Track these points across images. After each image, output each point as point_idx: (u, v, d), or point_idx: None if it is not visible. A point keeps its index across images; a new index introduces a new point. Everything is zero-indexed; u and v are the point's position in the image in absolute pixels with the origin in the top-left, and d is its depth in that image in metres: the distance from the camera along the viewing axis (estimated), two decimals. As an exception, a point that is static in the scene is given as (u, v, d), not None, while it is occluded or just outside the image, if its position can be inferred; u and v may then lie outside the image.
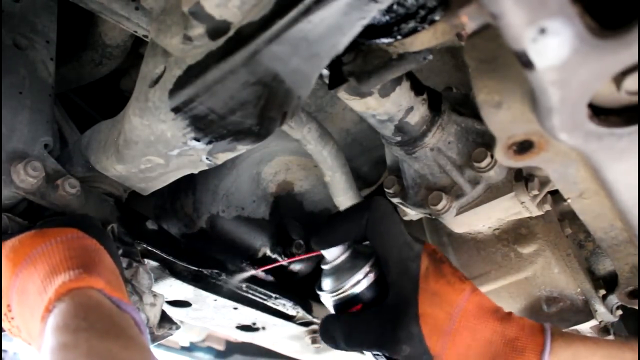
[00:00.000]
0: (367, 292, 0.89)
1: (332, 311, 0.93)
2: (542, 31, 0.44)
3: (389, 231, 0.89)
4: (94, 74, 1.17)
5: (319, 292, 0.94)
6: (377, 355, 0.90)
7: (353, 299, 0.89)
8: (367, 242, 0.91)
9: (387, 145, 1.03)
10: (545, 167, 0.70)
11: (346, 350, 0.91)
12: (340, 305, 0.91)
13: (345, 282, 0.89)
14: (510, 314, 0.86)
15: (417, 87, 0.94)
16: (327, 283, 0.92)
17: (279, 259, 1.30)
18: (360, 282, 0.89)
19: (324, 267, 0.93)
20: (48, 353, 0.62)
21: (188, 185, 1.26)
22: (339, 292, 0.90)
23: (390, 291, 0.87)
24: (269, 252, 1.30)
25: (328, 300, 0.92)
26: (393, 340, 0.84)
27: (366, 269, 0.89)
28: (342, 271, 0.91)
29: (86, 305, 0.68)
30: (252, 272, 1.22)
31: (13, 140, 0.89)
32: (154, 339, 0.99)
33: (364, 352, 0.91)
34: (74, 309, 0.66)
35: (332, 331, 0.90)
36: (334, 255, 0.92)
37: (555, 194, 1.08)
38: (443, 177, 1.02)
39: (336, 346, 0.90)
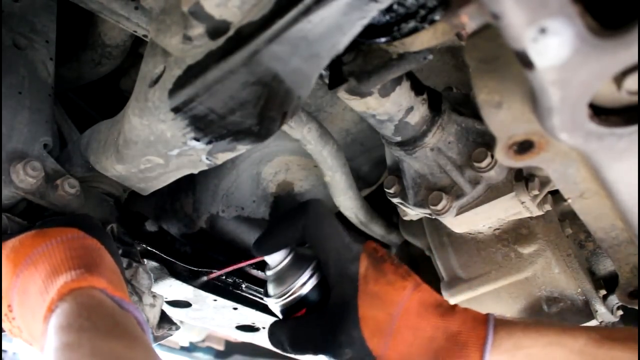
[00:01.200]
0: (311, 295, 0.90)
1: (280, 316, 0.93)
2: (543, 31, 0.44)
3: (326, 234, 0.89)
4: (93, 73, 1.17)
5: (264, 299, 0.95)
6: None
7: (297, 304, 0.90)
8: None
9: (387, 145, 1.03)
10: (546, 167, 0.70)
11: (294, 354, 0.91)
12: (286, 310, 0.91)
13: (287, 287, 0.90)
14: (453, 307, 0.86)
15: (417, 87, 0.93)
16: (271, 289, 0.93)
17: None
18: (302, 286, 0.89)
19: (267, 273, 0.94)
20: (51, 353, 0.62)
21: (188, 185, 1.26)
22: (283, 297, 0.91)
23: (332, 294, 0.87)
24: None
25: (273, 305, 0.93)
26: (335, 345, 0.84)
27: (308, 273, 0.90)
28: (284, 276, 0.91)
29: (89, 305, 0.68)
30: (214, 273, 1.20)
31: (12, 140, 0.89)
32: (154, 339, 0.99)
33: (312, 356, 0.91)
34: (76, 309, 0.67)
35: (278, 336, 0.90)
36: (276, 261, 0.92)
37: (555, 194, 1.08)
38: (443, 177, 1.02)
39: (284, 350, 0.91)
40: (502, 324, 0.82)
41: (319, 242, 0.88)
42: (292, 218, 0.91)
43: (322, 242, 0.88)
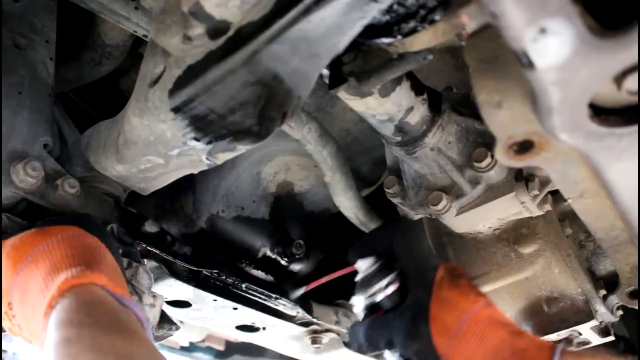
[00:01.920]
0: (389, 300, 1.00)
1: (360, 318, 1.04)
2: (543, 31, 0.44)
3: (411, 245, 1.01)
4: (93, 73, 1.17)
5: (351, 301, 1.06)
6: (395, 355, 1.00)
7: (376, 306, 1.01)
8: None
9: (387, 145, 1.03)
10: (546, 167, 0.70)
11: (369, 352, 1.01)
12: (366, 310, 1.03)
13: (370, 290, 1.02)
14: (522, 330, 0.90)
15: (417, 87, 0.93)
16: (357, 291, 1.04)
17: (280, 259, 1.30)
18: (383, 290, 1.01)
19: (357, 278, 1.06)
20: (52, 348, 0.62)
21: (188, 185, 1.26)
22: (365, 297, 1.02)
23: (408, 296, 0.97)
24: (268, 252, 1.30)
25: (356, 306, 1.05)
26: (404, 337, 0.93)
27: (389, 279, 1.01)
28: (370, 281, 1.03)
29: (89, 301, 0.68)
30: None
31: (12, 140, 0.89)
32: (154, 339, 0.99)
33: (384, 354, 1.00)
34: (77, 305, 0.67)
35: (356, 333, 1.01)
36: (365, 266, 1.05)
37: (555, 194, 1.08)
38: (443, 177, 1.02)
39: (359, 349, 1.01)
40: (569, 352, 0.85)
41: (404, 251, 1.00)
42: (385, 229, 1.07)
43: (406, 251, 1.00)
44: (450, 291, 0.93)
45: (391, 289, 1.00)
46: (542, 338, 0.93)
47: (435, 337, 0.90)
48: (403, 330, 0.93)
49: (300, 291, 1.28)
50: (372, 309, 1.02)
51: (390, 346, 0.96)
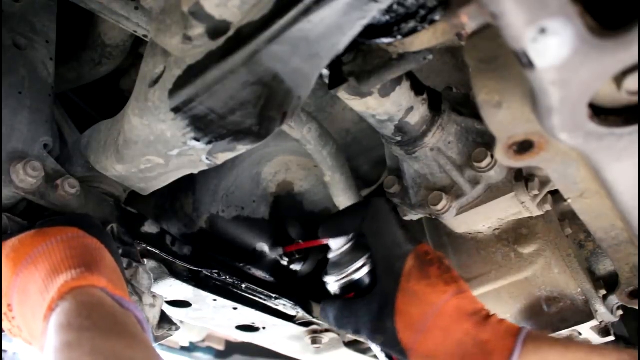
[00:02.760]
0: (361, 281, 1.01)
1: (334, 294, 1.05)
2: (543, 31, 0.44)
3: (381, 230, 0.99)
4: (93, 73, 1.17)
5: (323, 278, 1.07)
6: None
7: (348, 287, 1.02)
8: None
9: (387, 145, 1.03)
10: (546, 167, 0.70)
11: (338, 329, 1.06)
12: (339, 290, 1.03)
13: (342, 270, 1.02)
14: (489, 317, 0.90)
15: (417, 87, 0.94)
16: (329, 270, 1.05)
17: (280, 259, 1.30)
18: (355, 272, 1.01)
19: (329, 255, 1.06)
20: (52, 352, 0.62)
21: (188, 185, 1.26)
22: (338, 279, 1.03)
23: (376, 286, 0.97)
24: (268, 252, 1.30)
25: (330, 284, 1.05)
26: (370, 329, 0.94)
27: (362, 261, 1.01)
28: (342, 261, 1.03)
29: (89, 303, 0.68)
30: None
31: (13, 140, 0.89)
32: (154, 339, 0.99)
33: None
34: (76, 308, 0.66)
35: (327, 311, 1.02)
36: (337, 245, 1.04)
37: (555, 194, 1.08)
38: (443, 177, 1.02)
39: (329, 324, 1.04)
40: (532, 339, 0.85)
41: (373, 235, 0.99)
42: (356, 210, 1.05)
43: (376, 237, 0.99)
44: (419, 283, 0.93)
45: (363, 272, 1.01)
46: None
47: (401, 331, 0.91)
48: (369, 322, 0.95)
49: (279, 251, 1.28)
50: (344, 289, 1.03)
51: (357, 334, 0.98)
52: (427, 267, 0.95)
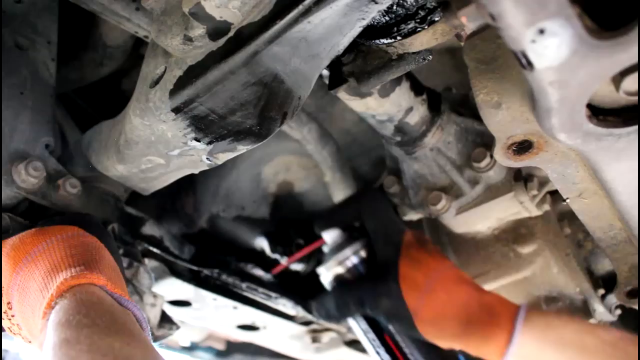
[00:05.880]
0: (358, 267, 1.03)
1: (329, 288, 1.06)
2: (541, 32, 0.44)
3: (378, 212, 1.03)
4: (95, 74, 1.17)
5: (318, 271, 1.08)
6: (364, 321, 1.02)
7: (344, 273, 1.03)
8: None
9: (387, 146, 1.03)
10: (544, 167, 0.70)
11: (338, 319, 1.03)
12: (334, 281, 1.04)
13: (338, 258, 1.04)
14: (489, 291, 0.94)
15: (417, 88, 0.94)
16: (325, 261, 1.06)
17: (280, 259, 1.31)
18: (350, 257, 1.03)
19: (325, 249, 1.08)
20: (50, 349, 0.62)
21: (188, 185, 1.26)
22: (333, 267, 1.04)
23: (377, 259, 0.99)
24: (269, 252, 1.31)
25: (325, 275, 1.06)
26: (374, 295, 0.95)
27: (357, 246, 1.03)
28: (337, 250, 1.05)
29: (88, 301, 0.68)
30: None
31: (14, 140, 0.89)
32: (154, 339, 0.99)
33: (354, 319, 1.02)
34: (75, 306, 0.67)
35: (325, 303, 1.02)
36: (332, 238, 1.07)
37: (554, 194, 1.08)
38: (442, 177, 1.02)
39: (329, 317, 1.03)
40: (535, 312, 0.88)
41: (371, 217, 1.02)
42: (352, 199, 1.09)
43: (374, 218, 1.02)
44: (419, 252, 0.96)
45: (358, 257, 1.03)
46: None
47: (406, 293, 0.92)
48: (372, 289, 0.95)
49: (269, 275, 1.28)
50: (340, 278, 1.04)
51: (360, 306, 0.98)
52: (425, 243, 0.99)
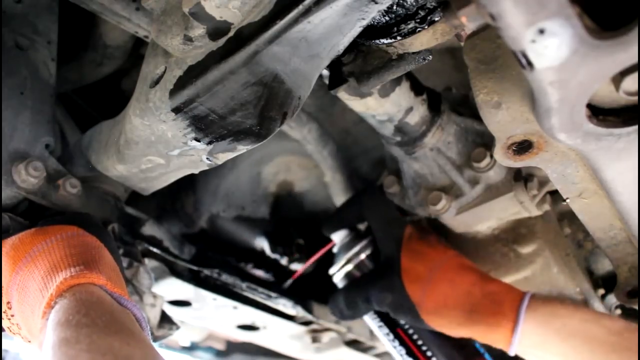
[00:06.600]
0: (365, 264, 1.06)
1: (340, 286, 1.09)
2: (541, 32, 0.44)
3: (379, 206, 1.05)
4: (95, 74, 1.17)
5: (330, 271, 1.10)
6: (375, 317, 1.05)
7: (352, 271, 1.06)
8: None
9: (386, 146, 1.03)
10: (544, 167, 0.70)
11: (352, 318, 1.04)
12: (345, 279, 1.07)
13: (348, 256, 1.06)
14: (493, 277, 0.95)
15: (417, 88, 0.94)
16: (336, 260, 1.09)
17: (280, 259, 1.31)
18: (357, 255, 1.06)
19: (334, 250, 1.11)
20: (50, 348, 0.62)
21: (188, 185, 1.26)
22: (341, 266, 1.07)
23: (380, 255, 1.01)
24: (268, 252, 1.31)
25: (335, 276, 1.09)
26: (378, 291, 0.97)
27: (362, 244, 1.06)
28: (347, 249, 1.08)
29: (87, 301, 0.68)
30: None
31: (14, 140, 0.89)
32: (154, 339, 0.99)
33: (368, 315, 1.05)
34: (75, 305, 0.67)
35: (337, 301, 1.04)
36: (340, 238, 1.09)
37: (554, 194, 1.08)
38: (442, 177, 1.02)
39: (343, 317, 1.05)
40: (538, 298, 0.89)
41: (373, 213, 1.04)
42: (354, 198, 1.10)
43: (375, 214, 1.04)
44: (420, 244, 0.98)
45: (364, 254, 1.05)
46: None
47: (408, 286, 0.94)
48: (377, 285, 0.97)
49: (288, 282, 1.28)
50: (349, 276, 1.07)
51: (367, 303, 1.00)
52: (426, 235, 1.00)
